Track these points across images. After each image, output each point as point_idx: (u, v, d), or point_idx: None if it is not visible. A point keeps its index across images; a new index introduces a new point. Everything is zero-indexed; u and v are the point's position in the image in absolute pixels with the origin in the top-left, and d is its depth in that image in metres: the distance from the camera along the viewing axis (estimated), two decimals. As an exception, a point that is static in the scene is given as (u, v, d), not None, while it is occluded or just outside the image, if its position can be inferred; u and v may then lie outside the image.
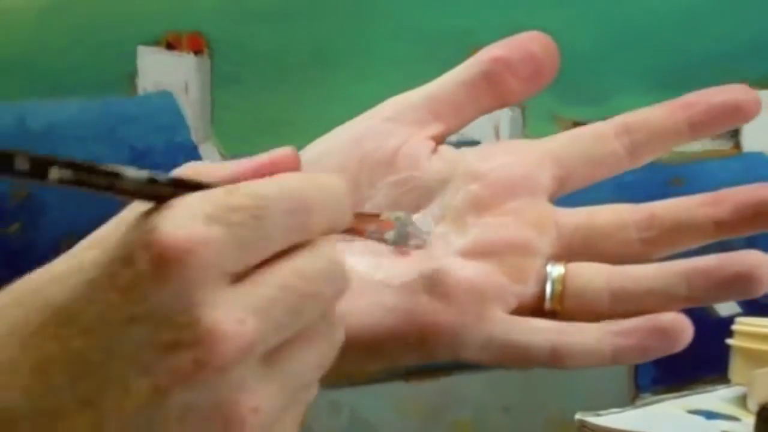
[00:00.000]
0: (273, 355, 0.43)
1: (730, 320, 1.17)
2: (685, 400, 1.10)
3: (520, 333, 0.52)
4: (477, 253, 0.53)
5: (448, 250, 0.53)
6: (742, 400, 1.08)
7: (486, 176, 0.55)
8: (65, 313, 0.43)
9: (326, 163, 0.55)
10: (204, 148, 1.38)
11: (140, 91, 1.39)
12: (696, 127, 0.56)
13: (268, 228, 0.43)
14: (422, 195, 0.55)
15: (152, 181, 0.43)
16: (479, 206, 0.54)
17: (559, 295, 0.53)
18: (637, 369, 1.48)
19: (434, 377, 1.44)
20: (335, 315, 0.46)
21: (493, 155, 0.56)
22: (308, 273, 0.43)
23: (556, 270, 0.53)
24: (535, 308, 0.53)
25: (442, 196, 0.54)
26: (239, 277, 0.42)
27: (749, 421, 1.02)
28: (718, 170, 1.46)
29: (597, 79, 1.42)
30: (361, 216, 0.51)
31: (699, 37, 1.48)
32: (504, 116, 1.42)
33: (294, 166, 0.46)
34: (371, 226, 0.52)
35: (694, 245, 0.55)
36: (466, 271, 0.52)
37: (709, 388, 1.14)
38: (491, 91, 0.56)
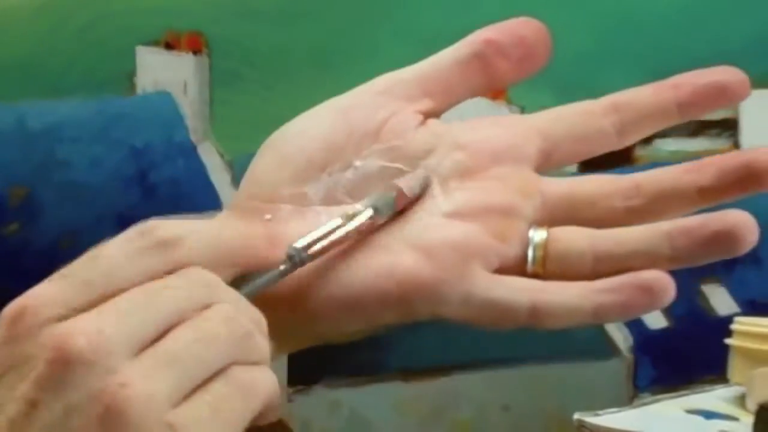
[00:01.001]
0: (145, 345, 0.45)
1: (728, 320, 1.17)
2: (683, 399, 1.10)
3: (500, 290, 0.52)
4: (461, 214, 0.53)
5: (431, 211, 0.53)
6: (740, 400, 1.08)
7: (471, 145, 0.55)
8: None
9: (312, 133, 0.55)
10: (203, 148, 1.38)
11: (139, 90, 1.39)
12: (684, 107, 0.56)
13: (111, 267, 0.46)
14: (407, 164, 0.55)
15: None
16: (464, 172, 0.54)
17: (542, 259, 0.53)
18: (637, 369, 1.48)
19: (433, 377, 1.44)
20: (211, 281, 0.47)
21: (480, 127, 0.56)
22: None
23: (538, 234, 0.53)
24: (518, 271, 0.53)
25: (427, 164, 0.55)
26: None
27: (748, 420, 1.02)
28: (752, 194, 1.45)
29: (596, 77, 1.42)
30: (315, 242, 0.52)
31: (698, 36, 1.48)
32: (503, 114, 1.42)
33: None
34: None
35: (680, 213, 0.55)
36: (449, 229, 0.53)
37: (707, 387, 1.14)
38: (482, 73, 0.56)
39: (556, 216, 0.54)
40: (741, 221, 0.53)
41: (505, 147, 0.55)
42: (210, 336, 0.45)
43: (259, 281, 0.49)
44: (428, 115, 0.56)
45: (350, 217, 0.52)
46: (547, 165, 0.56)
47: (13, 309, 0.45)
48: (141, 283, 0.46)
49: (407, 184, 0.53)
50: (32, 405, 0.44)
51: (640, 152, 1.45)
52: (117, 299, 0.45)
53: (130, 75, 1.38)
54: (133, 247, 0.47)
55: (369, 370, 1.41)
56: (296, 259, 0.50)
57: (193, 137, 1.40)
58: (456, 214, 0.53)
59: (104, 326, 0.44)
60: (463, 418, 1.45)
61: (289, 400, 1.36)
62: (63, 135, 1.37)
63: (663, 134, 1.44)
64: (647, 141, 1.45)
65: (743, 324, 1.14)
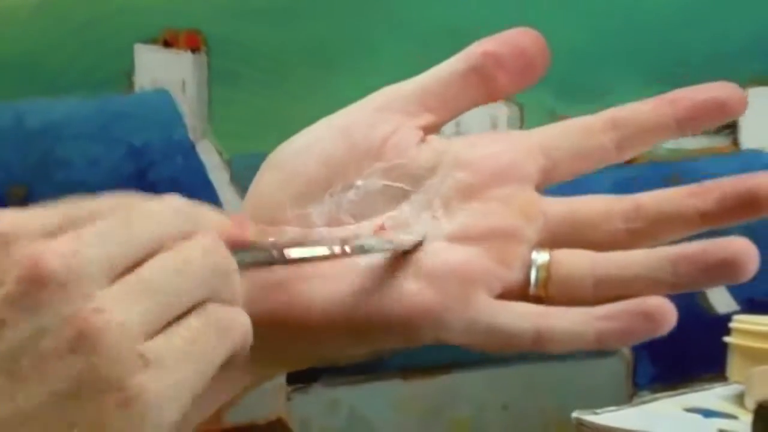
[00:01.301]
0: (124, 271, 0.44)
1: (727, 318, 1.17)
2: (682, 398, 1.10)
3: (503, 316, 0.52)
4: (463, 237, 0.53)
5: (434, 234, 0.53)
6: (739, 398, 1.08)
7: (473, 164, 0.55)
8: None
9: (313, 151, 0.55)
10: (201, 146, 1.38)
11: (137, 88, 1.39)
12: (682, 123, 0.56)
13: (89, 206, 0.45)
14: (410, 183, 0.55)
15: None
16: (466, 193, 0.54)
17: (545, 282, 0.53)
18: (636, 367, 1.48)
19: (433, 375, 1.44)
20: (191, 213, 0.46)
21: (481, 144, 0.56)
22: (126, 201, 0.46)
23: (541, 257, 0.53)
24: (520, 294, 0.53)
25: (430, 183, 0.54)
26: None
27: (747, 419, 1.02)
28: (716, 168, 1.46)
29: (595, 76, 1.42)
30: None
31: (697, 35, 1.48)
32: (502, 114, 1.42)
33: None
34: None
35: (681, 236, 0.55)
36: (451, 254, 0.53)
37: (706, 386, 1.14)
38: (481, 85, 0.56)
39: (557, 237, 0.54)
40: (743, 249, 0.53)
41: (507, 165, 0.55)
42: (189, 268, 0.45)
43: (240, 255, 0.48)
44: (428, 129, 0.56)
45: (343, 247, 0.52)
46: (548, 182, 0.56)
47: None
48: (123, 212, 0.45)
49: (400, 241, 0.53)
50: (3, 325, 0.42)
51: (639, 150, 1.45)
52: (96, 222, 0.44)
53: (129, 73, 1.38)
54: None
55: (368, 368, 1.41)
56: (273, 255, 0.49)
57: (191, 136, 1.39)
58: (458, 238, 0.53)
59: (81, 248, 0.43)
60: (463, 416, 1.45)
61: (288, 399, 1.36)
62: (61, 133, 1.37)
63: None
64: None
65: (742, 322, 1.14)
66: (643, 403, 1.09)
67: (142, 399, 0.41)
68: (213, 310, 0.44)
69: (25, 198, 1.35)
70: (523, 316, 0.52)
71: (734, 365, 1.12)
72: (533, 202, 0.54)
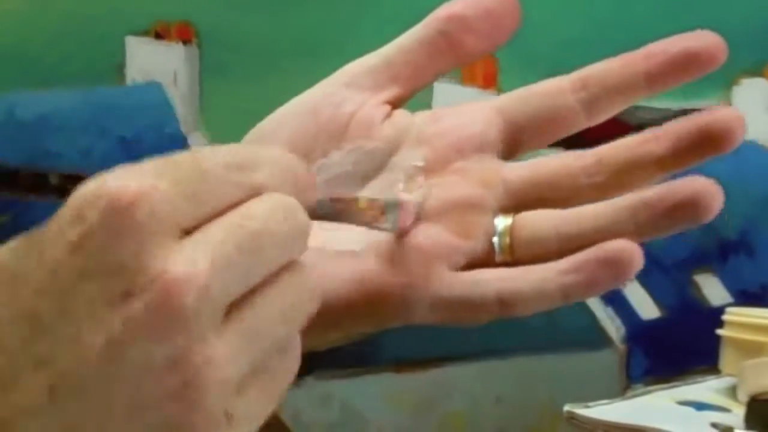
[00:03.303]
0: (235, 306, 0.42)
1: (721, 310, 1.16)
2: (675, 391, 1.09)
3: (464, 287, 0.52)
4: (424, 215, 0.53)
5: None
6: (732, 391, 1.08)
7: (434, 139, 0.54)
8: (16, 275, 0.41)
9: (281, 133, 0.54)
10: (193, 138, 1.38)
11: (129, 81, 1.38)
12: (654, 78, 0.55)
13: (213, 182, 0.42)
14: (375, 161, 0.54)
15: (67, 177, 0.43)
16: (428, 168, 0.54)
17: (509, 247, 0.52)
18: (629, 360, 1.48)
19: (426, 368, 1.44)
20: (302, 264, 0.44)
21: (442, 117, 0.55)
22: (256, 212, 0.42)
23: (502, 222, 0.53)
24: (488, 262, 0.53)
25: (394, 161, 0.54)
26: (189, 232, 0.41)
27: (739, 412, 1.02)
28: (710, 159, 1.45)
29: (587, 64, 1.41)
30: (340, 200, 0.51)
31: (689, 24, 1.47)
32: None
33: None
34: (365, 217, 0.51)
35: (644, 184, 0.53)
36: (412, 232, 0.52)
37: (699, 378, 1.14)
38: (449, 50, 0.55)
39: (521, 201, 0.54)
40: (703, 188, 0.52)
41: (467, 137, 0.54)
42: (292, 316, 0.43)
43: None
44: (395, 103, 0.56)
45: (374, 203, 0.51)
46: (516, 149, 0.55)
47: (124, 195, 0.40)
48: (232, 205, 0.42)
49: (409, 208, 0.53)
50: (114, 346, 0.39)
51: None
52: (224, 240, 0.41)
53: (120, 65, 1.38)
54: (227, 165, 0.43)
55: (361, 361, 1.40)
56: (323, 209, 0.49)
57: (183, 127, 1.39)
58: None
59: (213, 282, 0.40)
60: (456, 409, 1.45)
61: (281, 392, 1.36)
62: (53, 126, 1.37)
63: (655, 123, 1.43)
64: (640, 130, 1.44)
65: (735, 315, 1.14)
66: (636, 396, 1.08)
67: None
68: (293, 346, 0.44)
69: (15, 191, 1.35)
70: (483, 283, 0.51)
71: (727, 358, 1.12)
72: (492, 169, 0.53)
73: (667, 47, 0.54)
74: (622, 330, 1.48)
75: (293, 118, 0.55)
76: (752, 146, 1.47)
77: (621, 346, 1.48)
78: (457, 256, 0.52)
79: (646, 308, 1.48)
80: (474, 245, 0.52)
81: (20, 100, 1.36)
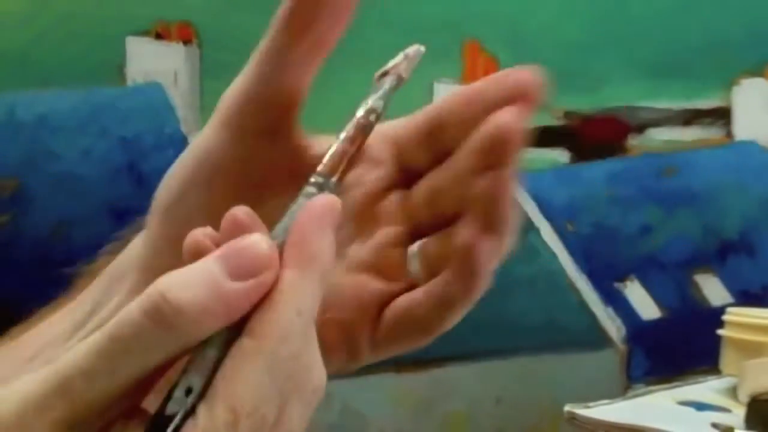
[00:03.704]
0: None
1: (721, 310, 1.17)
2: (675, 391, 1.09)
3: (397, 321, 0.52)
4: (353, 267, 0.53)
5: (339, 263, 0.52)
6: (732, 391, 1.08)
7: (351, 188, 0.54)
8: None
9: (192, 204, 0.53)
10: (193, 138, 1.38)
11: (129, 81, 1.38)
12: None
13: None
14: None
15: None
16: (349, 215, 0.53)
17: (427, 265, 0.52)
18: (630, 360, 1.48)
19: (426, 369, 1.44)
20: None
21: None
22: None
23: (412, 249, 0.53)
24: (415, 286, 0.53)
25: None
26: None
27: (740, 412, 1.02)
28: (711, 159, 1.45)
29: (589, 67, 1.42)
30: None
31: (691, 26, 1.48)
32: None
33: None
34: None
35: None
36: (349, 286, 0.52)
37: (700, 378, 1.14)
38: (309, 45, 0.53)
39: (429, 214, 0.53)
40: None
41: (363, 173, 0.54)
42: None
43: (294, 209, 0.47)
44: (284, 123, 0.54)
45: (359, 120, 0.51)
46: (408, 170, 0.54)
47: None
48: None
49: (399, 68, 0.52)
50: None
51: (633, 142, 1.44)
52: None
53: (120, 66, 1.38)
54: None
55: (361, 361, 1.40)
56: (325, 187, 0.48)
57: (183, 128, 1.39)
58: (350, 267, 0.53)
59: None
60: (456, 410, 1.45)
61: (281, 392, 1.36)
62: (53, 126, 1.37)
63: (656, 123, 1.44)
64: (640, 131, 1.44)
65: (735, 315, 1.14)
66: (636, 396, 1.09)
67: None
68: None
69: (16, 190, 1.35)
70: (410, 312, 0.52)
71: (727, 358, 1.12)
72: (392, 203, 0.53)
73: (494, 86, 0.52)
74: (623, 330, 1.48)
75: (196, 189, 0.53)
76: (752, 147, 1.47)
77: (621, 347, 1.48)
78: (387, 298, 0.52)
79: (647, 308, 1.48)
80: (399, 283, 0.52)
81: (21, 100, 1.36)
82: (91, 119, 1.37)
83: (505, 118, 0.49)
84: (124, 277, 0.54)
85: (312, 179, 0.48)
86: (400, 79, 0.52)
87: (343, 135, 0.50)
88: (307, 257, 0.44)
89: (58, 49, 1.36)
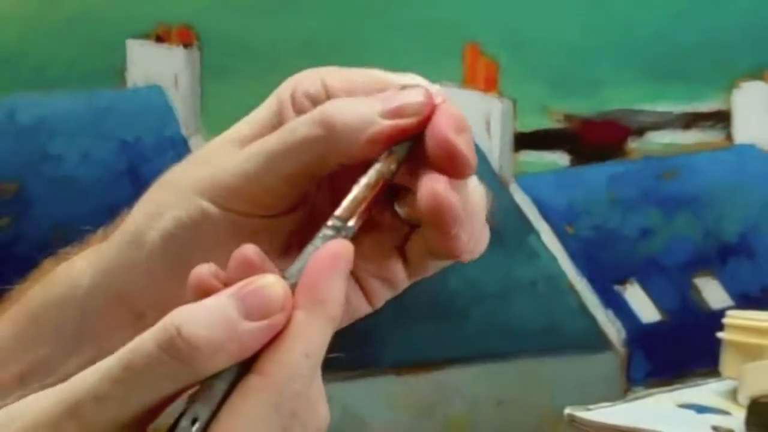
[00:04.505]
0: None
1: (721, 313, 1.17)
2: (675, 394, 1.09)
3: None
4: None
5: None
6: (732, 394, 1.08)
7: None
8: None
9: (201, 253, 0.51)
10: (194, 141, 1.38)
11: (130, 84, 1.38)
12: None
13: None
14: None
15: None
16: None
17: (412, 210, 0.52)
18: (630, 363, 1.48)
19: (427, 371, 1.44)
20: None
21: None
22: None
23: (400, 208, 0.53)
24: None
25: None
26: None
27: (740, 415, 1.02)
28: (711, 162, 1.46)
29: (588, 70, 1.42)
30: None
31: (689, 29, 1.48)
32: (495, 108, 1.42)
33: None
34: None
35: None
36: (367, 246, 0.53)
37: (700, 381, 1.14)
38: None
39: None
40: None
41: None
42: None
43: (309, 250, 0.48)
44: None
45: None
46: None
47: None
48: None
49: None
50: None
51: (633, 145, 1.45)
52: None
53: (121, 69, 1.38)
54: None
55: (361, 364, 1.40)
56: (342, 231, 0.49)
57: (184, 131, 1.39)
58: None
59: None
60: (457, 412, 1.45)
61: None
62: (53, 129, 1.37)
63: (656, 126, 1.44)
64: (640, 134, 1.45)
65: (735, 318, 1.14)
66: (636, 398, 1.09)
67: None
68: None
69: (16, 193, 1.35)
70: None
71: (727, 361, 1.12)
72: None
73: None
74: (623, 333, 1.48)
75: (197, 236, 0.52)
76: (752, 150, 1.47)
77: (622, 349, 1.48)
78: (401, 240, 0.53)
79: (647, 311, 1.49)
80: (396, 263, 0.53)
81: (21, 103, 1.36)
82: (92, 122, 1.38)
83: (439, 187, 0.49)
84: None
85: (330, 222, 0.49)
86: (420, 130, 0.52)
87: (363, 180, 0.50)
88: (318, 301, 0.45)
89: (58, 51, 1.36)
